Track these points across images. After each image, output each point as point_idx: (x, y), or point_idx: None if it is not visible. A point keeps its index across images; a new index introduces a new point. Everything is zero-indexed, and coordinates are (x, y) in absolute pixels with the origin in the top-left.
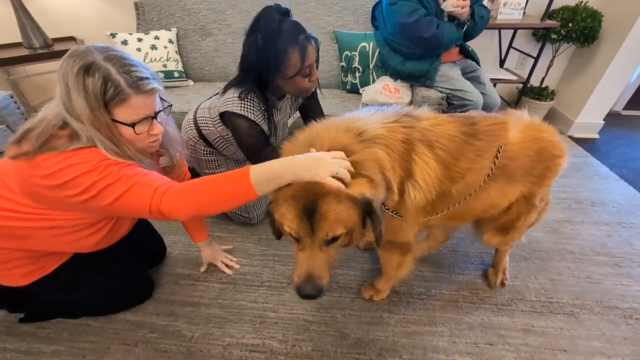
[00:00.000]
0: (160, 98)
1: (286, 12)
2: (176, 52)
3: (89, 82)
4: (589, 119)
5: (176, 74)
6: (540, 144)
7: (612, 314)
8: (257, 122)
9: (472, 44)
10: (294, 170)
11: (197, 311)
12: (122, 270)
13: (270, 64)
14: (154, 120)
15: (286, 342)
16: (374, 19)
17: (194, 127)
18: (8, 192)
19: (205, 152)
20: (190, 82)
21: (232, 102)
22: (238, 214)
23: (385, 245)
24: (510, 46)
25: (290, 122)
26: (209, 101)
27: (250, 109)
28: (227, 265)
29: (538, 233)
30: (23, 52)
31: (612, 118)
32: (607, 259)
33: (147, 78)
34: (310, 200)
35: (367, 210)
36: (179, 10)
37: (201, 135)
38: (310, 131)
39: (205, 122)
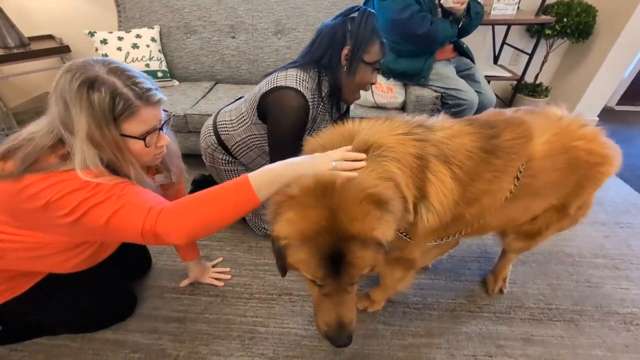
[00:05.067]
0: (163, 110)
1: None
2: (159, 51)
3: (95, 97)
4: (584, 115)
5: (160, 74)
6: (571, 154)
7: (612, 319)
8: (308, 102)
9: (465, 40)
10: (293, 168)
11: (183, 327)
12: (102, 287)
13: (362, 39)
14: (160, 131)
15: None
16: None
17: (212, 134)
18: None
19: (223, 162)
20: (175, 82)
21: (285, 78)
22: (261, 227)
23: (388, 260)
24: (504, 42)
25: None
26: (231, 105)
27: (307, 88)
28: (216, 279)
29: None
30: None
31: (606, 114)
32: (606, 261)
33: (152, 89)
34: (334, 245)
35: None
36: (162, 7)
37: (220, 142)
38: (312, 145)
39: (224, 126)
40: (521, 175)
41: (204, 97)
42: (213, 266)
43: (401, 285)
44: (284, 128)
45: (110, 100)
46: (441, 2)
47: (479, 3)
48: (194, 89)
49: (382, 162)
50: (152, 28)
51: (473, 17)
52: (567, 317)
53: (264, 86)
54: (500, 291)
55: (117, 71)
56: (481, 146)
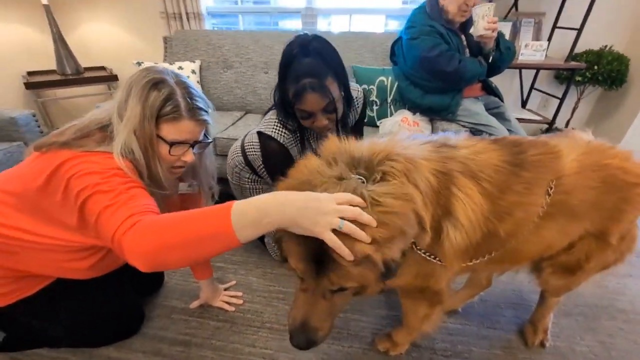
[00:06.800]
0: (205, 134)
1: (306, 49)
2: (197, 82)
3: (153, 94)
4: None
5: None
6: (605, 171)
7: None
8: (284, 144)
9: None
10: (288, 214)
11: (187, 352)
12: (111, 299)
13: (281, 89)
14: (190, 148)
15: None
16: (392, 54)
17: (240, 154)
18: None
19: (249, 180)
20: None
21: (266, 123)
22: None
23: (411, 293)
24: (532, 87)
25: None
26: (257, 127)
27: (280, 132)
28: (227, 303)
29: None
30: (55, 77)
31: None
32: None
33: (203, 110)
34: (321, 245)
35: (387, 271)
36: (205, 45)
37: (247, 162)
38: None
39: (252, 147)
40: (552, 192)
41: (233, 124)
42: (225, 289)
43: (427, 325)
44: (274, 168)
45: (162, 101)
46: (471, 32)
47: (509, 41)
48: (226, 117)
49: (399, 179)
50: (194, 62)
51: (504, 52)
52: None
53: (259, 127)
54: (542, 344)
55: (182, 84)
56: (509, 160)
